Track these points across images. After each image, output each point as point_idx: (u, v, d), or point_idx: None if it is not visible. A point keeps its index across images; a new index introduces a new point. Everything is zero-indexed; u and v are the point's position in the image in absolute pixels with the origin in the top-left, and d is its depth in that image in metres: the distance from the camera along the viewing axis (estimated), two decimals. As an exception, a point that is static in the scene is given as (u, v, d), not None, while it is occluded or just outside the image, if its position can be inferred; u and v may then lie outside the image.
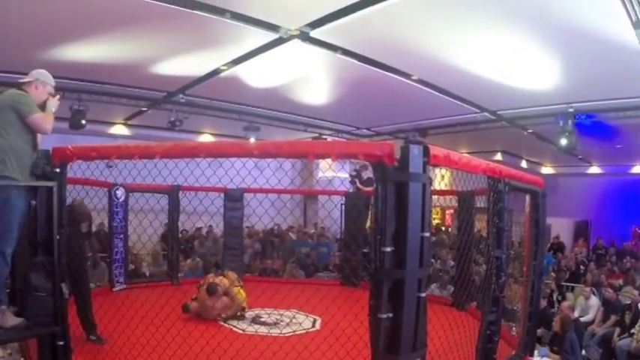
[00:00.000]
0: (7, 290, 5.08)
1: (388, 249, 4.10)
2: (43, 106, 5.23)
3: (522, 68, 10.04)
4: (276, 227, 17.38)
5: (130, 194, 11.04)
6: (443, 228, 22.23)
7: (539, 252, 7.14)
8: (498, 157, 18.99)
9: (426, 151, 4.20)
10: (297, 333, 8.20)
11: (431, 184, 4.34)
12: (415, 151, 4.16)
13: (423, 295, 4.24)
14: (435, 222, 23.24)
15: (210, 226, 16.10)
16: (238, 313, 8.87)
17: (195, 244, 15.68)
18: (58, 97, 5.45)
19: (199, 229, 16.26)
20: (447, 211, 23.87)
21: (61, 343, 5.08)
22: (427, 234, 4.21)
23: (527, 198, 7.07)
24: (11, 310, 4.94)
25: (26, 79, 5.29)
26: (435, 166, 4.38)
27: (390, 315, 4.12)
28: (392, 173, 4.13)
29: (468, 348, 6.06)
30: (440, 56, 9.69)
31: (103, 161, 5.30)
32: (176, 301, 8.65)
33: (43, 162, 5.04)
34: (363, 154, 4.25)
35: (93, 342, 6.87)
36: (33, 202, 4.93)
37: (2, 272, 4.88)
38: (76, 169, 6.45)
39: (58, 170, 5.05)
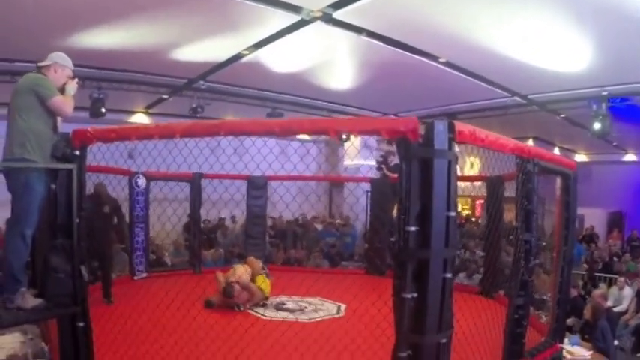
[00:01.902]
0: (28, 272, 5.23)
1: (413, 228, 4.09)
2: (62, 90, 5.37)
3: (554, 50, 9.91)
4: (300, 217, 17.47)
5: (152, 184, 11.19)
6: (473, 219, 22.16)
7: (570, 237, 7.09)
8: (530, 143, 18.83)
9: (451, 127, 4.18)
10: (323, 319, 8.30)
11: (457, 162, 4.33)
12: (440, 127, 4.14)
13: (449, 275, 4.22)
14: (465, 213, 23.22)
15: (234, 216, 16.25)
16: (261, 303, 8.96)
17: (218, 234, 15.81)
18: (77, 80, 5.55)
19: (222, 219, 16.41)
20: (478, 202, 23.76)
21: (82, 324, 5.16)
22: (453, 213, 4.18)
23: (558, 181, 7.05)
24: (31, 292, 5.06)
25: (45, 63, 5.42)
26: (461, 143, 4.36)
27: (415, 295, 4.12)
28: (416, 150, 4.12)
29: (496, 333, 6.04)
30: (468, 38, 9.59)
31: (125, 151, 5.43)
32: (200, 289, 8.73)
33: (63, 145, 5.14)
34: (386, 130, 4.25)
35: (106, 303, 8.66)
36: (53, 186, 5.03)
37: (22, 254, 5.04)
38: (99, 159, 6.64)
39: (78, 153, 5.13)
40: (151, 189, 11.22)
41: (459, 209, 22.54)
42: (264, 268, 9.66)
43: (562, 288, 7.19)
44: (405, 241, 4.12)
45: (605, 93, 11.85)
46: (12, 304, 4.94)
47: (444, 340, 4.29)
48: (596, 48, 9.64)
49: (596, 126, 12.18)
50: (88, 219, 5.53)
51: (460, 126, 4.27)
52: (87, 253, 5.23)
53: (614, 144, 19.27)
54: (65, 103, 5.25)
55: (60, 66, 5.43)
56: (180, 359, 5.77)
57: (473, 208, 24.33)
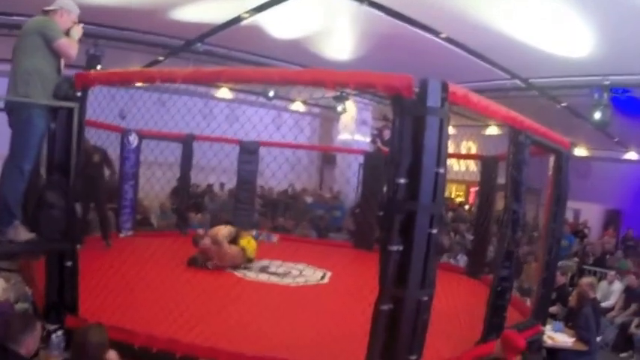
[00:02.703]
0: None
1: (402, 181, 4.37)
2: (66, 34, 5.66)
3: (558, 33, 9.99)
4: (290, 188, 17.71)
5: (143, 145, 11.39)
6: (467, 207, 22.38)
7: (559, 214, 7.35)
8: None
9: (444, 87, 4.46)
10: (306, 283, 8.56)
11: (449, 121, 4.59)
12: (434, 85, 4.43)
13: (435, 231, 4.49)
14: (458, 200, 23.47)
15: (222, 183, 16.48)
16: (243, 265, 9.22)
17: (206, 199, 16.04)
18: (81, 25, 5.83)
19: (210, 185, 16.64)
20: (472, 189, 23.96)
21: (69, 263, 5.43)
22: (442, 170, 4.47)
23: (551, 160, 7.30)
24: (24, 227, 5.33)
25: (52, 7, 5.73)
26: (453, 103, 4.62)
27: (400, 248, 4.41)
28: (409, 106, 4.40)
29: (479, 310, 6.26)
30: (471, 14, 9.68)
31: (117, 110, 5.66)
32: (185, 249, 9.02)
33: (66, 86, 5.44)
34: (382, 85, 4.52)
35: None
36: (52, 125, 5.31)
37: (19, 188, 5.34)
38: (90, 115, 6.89)
39: (79, 94, 5.40)
40: (142, 150, 11.43)
41: (452, 195, 22.86)
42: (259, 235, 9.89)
43: (549, 266, 7.44)
44: (394, 192, 4.39)
45: (607, 82, 11.90)
46: (4, 237, 5.21)
47: (425, 298, 4.56)
48: (600, 35, 9.72)
49: (597, 115, 12.23)
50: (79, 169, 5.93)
51: (453, 87, 4.53)
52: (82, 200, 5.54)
53: (616, 140, 19.40)
54: (70, 45, 5.57)
55: (66, 11, 5.75)
56: (161, 313, 5.95)
57: (467, 195, 24.53)
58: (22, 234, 5.25)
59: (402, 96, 4.39)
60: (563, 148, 7.26)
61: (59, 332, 5.13)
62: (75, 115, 5.28)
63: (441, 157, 4.44)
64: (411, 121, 4.40)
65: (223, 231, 9.24)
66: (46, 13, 5.68)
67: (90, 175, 9.11)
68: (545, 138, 6.67)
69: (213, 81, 4.60)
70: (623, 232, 20.90)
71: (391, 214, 4.40)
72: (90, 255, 6.68)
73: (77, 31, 5.78)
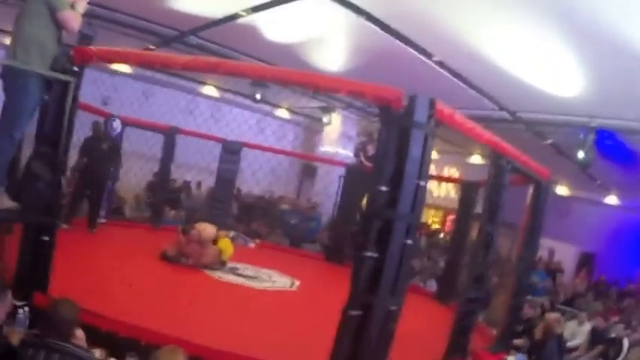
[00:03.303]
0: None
1: (383, 188, 4.62)
2: (71, 7, 5.79)
3: (550, 70, 10.22)
4: (267, 194, 17.85)
5: (123, 136, 11.50)
6: (442, 235, 22.57)
7: (533, 243, 7.59)
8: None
9: (432, 104, 4.73)
10: (275, 289, 8.72)
11: (433, 137, 4.84)
12: (422, 101, 4.70)
13: (410, 242, 4.74)
14: (435, 226, 23.68)
15: (200, 181, 16.61)
16: (216, 266, 9.39)
17: (182, 195, 16.15)
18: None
19: (188, 182, 16.75)
20: (449, 217, 24.14)
21: (46, 238, 5.58)
22: (423, 183, 4.73)
23: (530, 190, 7.55)
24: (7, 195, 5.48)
25: None
26: (439, 121, 4.88)
27: (375, 255, 4.64)
28: (397, 118, 4.67)
29: (445, 332, 6.46)
30: (465, 41, 9.87)
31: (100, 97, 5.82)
32: (158, 242, 9.18)
33: (64, 59, 5.60)
34: (373, 95, 4.81)
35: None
36: (46, 97, 5.49)
37: (7, 153, 5.50)
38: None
39: (76, 69, 5.57)
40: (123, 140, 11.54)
41: (429, 221, 23.06)
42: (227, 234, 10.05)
43: (517, 294, 7.67)
44: (374, 199, 4.62)
45: (593, 124, 12.13)
46: None
47: (394, 307, 4.79)
48: (591, 76, 9.93)
49: (580, 155, 12.42)
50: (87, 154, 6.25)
51: (440, 104, 4.79)
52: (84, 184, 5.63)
53: (598, 183, 19.69)
54: (74, 18, 5.72)
55: None
56: (131, 302, 6.15)
57: (443, 222, 24.71)
58: (4, 201, 5.39)
59: (391, 108, 4.65)
60: (543, 178, 7.50)
61: (25, 309, 5.18)
62: (70, 90, 5.44)
63: (423, 169, 4.70)
64: (397, 133, 4.66)
65: (209, 231, 9.41)
66: None
67: (95, 159, 9.82)
68: (525, 166, 6.90)
69: (212, 70, 4.75)
70: (596, 276, 21.13)
71: (370, 220, 4.62)
72: (67, 237, 6.81)
73: (82, 4, 5.91)
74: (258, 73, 5.24)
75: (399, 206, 4.59)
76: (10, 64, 5.52)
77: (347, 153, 18.45)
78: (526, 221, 7.55)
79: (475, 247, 6.48)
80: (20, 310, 5.15)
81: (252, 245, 10.70)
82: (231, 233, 10.32)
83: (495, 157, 6.20)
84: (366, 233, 4.65)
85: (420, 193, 4.70)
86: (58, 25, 5.68)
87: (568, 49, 9.07)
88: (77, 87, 5.63)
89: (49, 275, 5.81)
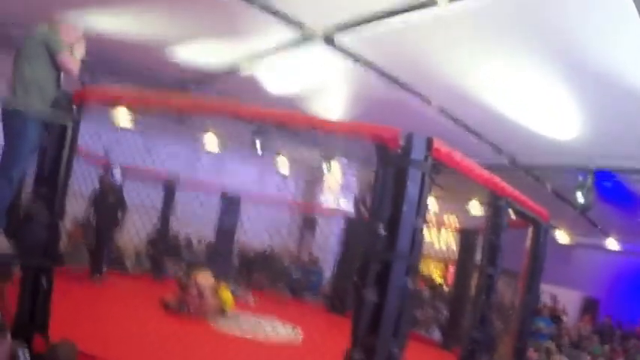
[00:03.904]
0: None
1: (381, 230, 4.54)
2: (70, 50, 5.83)
3: (547, 113, 10.24)
4: (268, 248, 17.74)
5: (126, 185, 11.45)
6: (445, 288, 22.45)
7: (535, 286, 7.48)
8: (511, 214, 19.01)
9: (429, 142, 4.68)
10: (277, 339, 8.59)
11: (431, 176, 4.78)
12: (419, 139, 4.64)
13: (410, 284, 4.63)
14: (437, 279, 23.54)
15: (201, 235, 16.50)
16: (217, 315, 9.27)
17: (183, 249, 16.03)
18: (84, 43, 6.03)
19: (189, 237, 16.63)
20: (451, 268, 24.05)
21: (44, 282, 5.49)
22: (421, 223, 4.65)
23: (529, 231, 7.47)
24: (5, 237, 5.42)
25: (58, 21, 5.93)
26: (437, 160, 4.82)
27: (375, 297, 4.53)
28: (394, 157, 4.61)
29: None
30: (463, 87, 9.93)
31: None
32: (159, 292, 9.09)
33: (64, 100, 5.60)
34: (369, 135, 4.75)
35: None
36: (45, 139, 5.46)
37: (5, 196, 5.44)
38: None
39: (76, 111, 5.57)
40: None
41: (431, 273, 22.96)
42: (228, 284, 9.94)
43: (521, 337, 7.53)
44: (372, 241, 4.55)
45: (592, 166, 12.07)
46: None
47: (396, 350, 4.65)
48: (589, 118, 9.95)
49: (580, 197, 12.39)
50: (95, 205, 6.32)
51: (438, 143, 4.74)
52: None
53: (599, 227, 19.61)
54: (72, 61, 5.77)
55: (71, 27, 5.97)
56: (130, 349, 6.08)
57: (446, 275, 24.61)
58: (2, 242, 5.33)
59: (388, 147, 4.60)
60: (542, 219, 7.43)
61: (26, 351, 5.08)
62: (69, 131, 5.43)
63: (421, 209, 4.62)
64: (394, 172, 4.59)
65: (207, 279, 9.31)
66: (52, 25, 5.90)
67: (102, 209, 10.09)
68: (524, 206, 6.84)
69: (211, 112, 4.78)
70: (600, 321, 20.97)
71: (368, 262, 4.54)
72: (70, 283, 6.73)
73: (80, 48, 5.97)
74: (257, 116, 5.22)
75: (398, 247, 4.50)
76: (10, 104, 5.52)
77: (347, 203, 18.40)
78: (526, 264, 7.46)
79: (477, 289, 6.37)
80: (20, 353, 5.02)
81: (251, 302, 10.53)
82: (232, 286, 10.19)
83: (493, 197, 6.14)
84: (365, 275, 4.57)
85: (418, 233, 4.61)
86: (57, 68, 5.72)
87: (566, 91, 9.12)
88: (76, 129, 5.61)
89: (48, 318, 5.71)
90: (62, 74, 5.86)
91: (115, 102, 5.66)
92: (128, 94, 5.86)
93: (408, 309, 4.72)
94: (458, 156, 5.13)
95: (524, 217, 7.16)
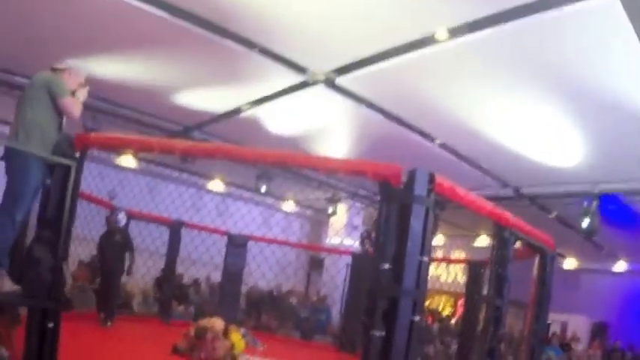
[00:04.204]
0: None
1: (386, 266, 4.53)
2: (72, 94, 5.91)
3: (549, 142, 10.28)
4: (275, 289, 17.68)
5: (130, 228, 11.44)
6: (453, 321, 22.35)
7: (543, 315, 7.41)
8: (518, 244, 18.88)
9: (431, 177, 4.68)
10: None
11: (434, 211, 4.78)
12: (421, 175, 4.65)
13: (417, 318, 4.61)
14: (446, 313, 23.42)
15: (208, 276, 16.46)
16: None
17: (191, 291, 15.99)
18: (87, 88, 6.09)
19: (197, 279, 16.62)
20: (460, 301, 23.96)
21: (51, 325, 5.44)
22: (426, 259, 4.63)
23: (536, 260, 7.42)
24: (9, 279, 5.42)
25: (61, 66, 6.00)
26: (440, 195, 4.83)
27: (383, 334, 4.50)
28: (397, 194, 4.62)
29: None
30: (465, 122, 10.00)
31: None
32: (168, 336, 9.02)
33: (66, 144, 5.64)
34: (372, 172, 4.76)
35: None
36: (48, 181, 5.48)
37: (8, 237, 5.47)
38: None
39: (78, 155, 5.60)
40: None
41: (440, 307, 22.87)
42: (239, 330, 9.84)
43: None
44: (378, 278, 4.54)
45: (597, 191, 12.04)
46: None
47: (406, 387, 4.63)
48: (591, 143, 9.97)
49: (585, 223, 12.29)
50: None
51: (440, 178, 4.75)
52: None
53: (605, 251, 19.51)
54: (74, 105, 5.85)
55: (74, 71, 6.05)
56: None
57: (455, 307, 24.49)
58: (5, 285, 5.34)
59: (390, 184, 4.61)
60: (548, 247, 7.38)
61: None
62: (72, 174, 5.45)
63: (426, 244, 4.60)
64: (397, 209, 4.59)
65: (218, 325, 9.22)
66: (55, 70, 5.98)
67: (109, 252, 10.01)
68: (529, 236, 6.80)
69: (210, 156, 4.79)
70: (610, 345, 20.82)
71: (374, 299, 4.52)
72: (79, 328, 6.68)
73: (83, 92, 6.07)
74: (259, 157, 5.20)
75: (404, 283, 4.49)
76: (12, 145, 5.58)
77: (353, 242, 18.39)
78: (534, 293, 7.40)
79: (485, 321, 6.32)
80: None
81: (260, 348, 10.41)
82: (241, 330, 10.09)
83: (498, 229, 6.11)
84: (371, 312, 4.55)
85: (423, 268, 4.59)
86: (59, 112, 5.79)
87: (566, 119, 9.17)
88: (79, 172, 5.62)
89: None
90: (64, 118, 5.93)
91: (116, 147, 5.64)
92: (130, 139, 5.81)
93: (417, 345, 4.69)
94: (460, 190, 5.13)
95: (530, 247, 7.11)
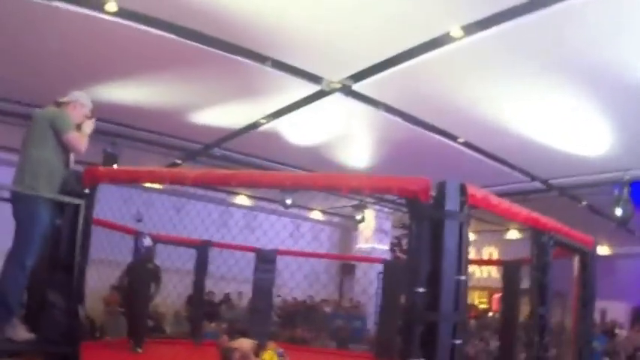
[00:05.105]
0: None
1: (421, 290, 4.12)
2: (78, 128, 5.55)
3: (576, 132, 10.01)
4: (308, 299, 17.39)
5: (159, 250, 11.14)
6: (490, 314, 22.01)
7: (588, 316, 7.02)
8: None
9: (463, 189, 4.26)
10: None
11: (469, 224, 4.36)
12: (452, 188, 4.23)
13: (459, 342, 4.19)
14: (482, 307, 23.07)
15: (240, 292, 16.20)
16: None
17: (223, 308, 15.74)
18: (93, 120, 5.75)
19: (228, 294, 16.36)
20: (494, 296, 23.66)
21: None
22: (464, 277, 4.21)
23: (576, 260, 7.02)
24: (24, 327, 5.07)
25: (65, 99, 5.68)
26: (473, 207, 4.42)
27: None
28: (427, 210, 4.21)
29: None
30: (488, 118, 9.71)
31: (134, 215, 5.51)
32: (198, 357, 8.67)
33: (74, 181, 5.30)
34: (398, 189, 4.35)
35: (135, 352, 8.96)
36: (58, 221, 5.13)
37: (19, 284, 5.14)
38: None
39: (87, 191, 5.24)
40: (157, 255, 11.16)
41: (476, 302, 22.52)
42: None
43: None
44: (412, 302, 4.13)
45: (627, 177, 11.76)
46: (1, 334, 4.95)
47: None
48: (619, 130, 9.69)
49: (618, 212, 12.05)
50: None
51: (472, 189, 4.33)
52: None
53: (637, 235, 19.09)
54: (80, 140, 5.52)
55: (79, 104, 5.73)
56: None
57: (489, 302, 24.19)
58: (20, 333, 4.99)
59: (419, 200, 4.20)
60: (587, 247, 6.98)
61: None
62: (81, 212, 5.09)
63: (462, 263, 4.20)
64: (428, 226, 4.19)
65: (247, 346, 8.80)
66: (58, 104, 5.65)
67: (137, 278, 9.66)
68: (568, 238, 6.40)
69: (225, 184, 4.54)
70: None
71: (411, 325, 4.12)
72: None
73: (89, 125, 5.75)
74: (276, 181, 4.84)
75: (441, 307, 4.08)
76: (19, 190, 5.24)
77: (383, 248, 18.11)
78: (577, 293, 6.98)
79: (529, 331, 5.91)
80: None
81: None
82: (279, 351, 9.61)
83: (536, 234, 5.68)
84: (408, 339, 4.13)
85: (461, 288, 4.18)
86: (65, 148, 5.48)
87: (592, 106, 8.88)
88: (89, 209, 5.27)
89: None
90: (71, 154, 5.62)
91: (127, 180, 5.30)
92: (139, 171, 5.47)
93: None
94: (495, 200, 4.71)
95: (570, 248, 6.69)
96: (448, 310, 4.11)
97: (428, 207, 4.21)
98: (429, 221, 4.19)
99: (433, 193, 4.24)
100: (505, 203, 4.98)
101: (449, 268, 4.13)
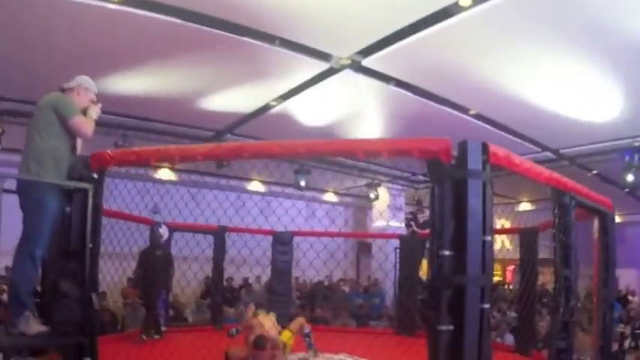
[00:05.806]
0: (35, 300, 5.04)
1: (447, 253, 3.90)
2: (84, 113, 5.31)
3: (586, 99, 9.77)
4: (326, 279, 17.24)
5: (177, 239, 10.98)
6: (505, 285, 21.89)
7: (610, 278, 6.79)
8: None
9: (485, 148, 4.05)
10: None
11: (492, 184, 4.14)
12: (474, 147, 4.01)
13: (487, 306, 3.97)
14: (496, 279, 22.94)
15: (259, 275, 16.07)
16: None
17: (243, 292, 15.61)
18: (99, 104, 5.52)
19: (247, 278, 16.21)
20: (508, 268, 23.55)
21: (88, 359, 4.90)
22: (489, 238, 3.99)
23: (595, 222, 6.81)
24: (37, 320, 4.84)
25: (70, 85, 5.43)
26: (495, 166, 4.19)
27: (451, 327, 3.87)
28: (449, 171, 3.99)
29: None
30: (499, 89, 9.50)
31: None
32: (221, 344, 8.47)
33: (81, 166, 5.05)
34: (418, 150, 4.11)
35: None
36: (67, 209, 4.90)
37: (31, 276, 4.92)
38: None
39: (95, 176, 5.01)
40: (175, 244, 10.99)
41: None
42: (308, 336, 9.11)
43: (605, 334, 6.80)
44: (439, 267, 3.91)
45: (637, 144, 11.66)
46: (14, 329, 4.74)
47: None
48: (629, 96, 9.46)
49: (629, 178, 11.95)
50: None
51: (494, 147, 4.11)
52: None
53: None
54: (86, 124, 5.24)
55: (84, 89, 5.46)
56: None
57: (504, 274, 24.10)
58: (33, 326, 4.73)
59: (441, 160, 3.98)
60: (607, 209, 6.76)
61: None
62: (90, 198, 4.86)
63: (487, 223, 3.96)
64: (451, 187, 3.95)
65: (273, 330, 8.41)
66: (63, 90, 5.41)
67: (150, 267, 9.48)
68: (588, 199, 6.18)
69: (236, 156, 4.27)
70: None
71: (438, 290, 3.90)
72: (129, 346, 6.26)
73: (95, 110, 5.45)
74: (289, 151, 4.61)
75: (469, 270, 3.84)
76: (24, 177, 4.99)
77: (398, 224, 17.96)
78: (598, 257, 6.76)
79: (554, 294, 5.69)
80: None
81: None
82: (306, 329, 9.23)
83: (557, 194, 5.44)
84: (436, 306, 3.91)
85: (487, 250, 3.94)
86: (71, 134, 5.22)
87: (600, 72, 8.67)
88: (98, 194, 5.03)
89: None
90: (79, 140, 5.38)
91: (135, 161, 5.06)
92: (147, 151, 5.24)
93: (489, 334, 4.07)
94: (517, 159, 4.49)
95: (590, 210, 6.47)
96: (476, 272, 3.87)
97: (450, 167, 3.98)
98: (451, 182, 3.95)
99: (454, 153, 4.02)
100: (527, 163, 4.75)
101: (474, 228, 3.90)
